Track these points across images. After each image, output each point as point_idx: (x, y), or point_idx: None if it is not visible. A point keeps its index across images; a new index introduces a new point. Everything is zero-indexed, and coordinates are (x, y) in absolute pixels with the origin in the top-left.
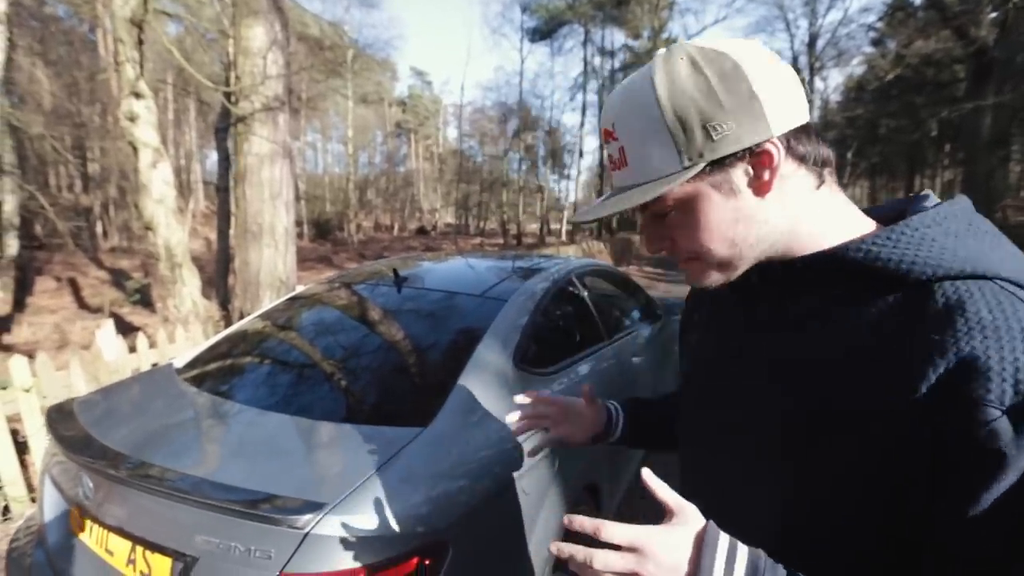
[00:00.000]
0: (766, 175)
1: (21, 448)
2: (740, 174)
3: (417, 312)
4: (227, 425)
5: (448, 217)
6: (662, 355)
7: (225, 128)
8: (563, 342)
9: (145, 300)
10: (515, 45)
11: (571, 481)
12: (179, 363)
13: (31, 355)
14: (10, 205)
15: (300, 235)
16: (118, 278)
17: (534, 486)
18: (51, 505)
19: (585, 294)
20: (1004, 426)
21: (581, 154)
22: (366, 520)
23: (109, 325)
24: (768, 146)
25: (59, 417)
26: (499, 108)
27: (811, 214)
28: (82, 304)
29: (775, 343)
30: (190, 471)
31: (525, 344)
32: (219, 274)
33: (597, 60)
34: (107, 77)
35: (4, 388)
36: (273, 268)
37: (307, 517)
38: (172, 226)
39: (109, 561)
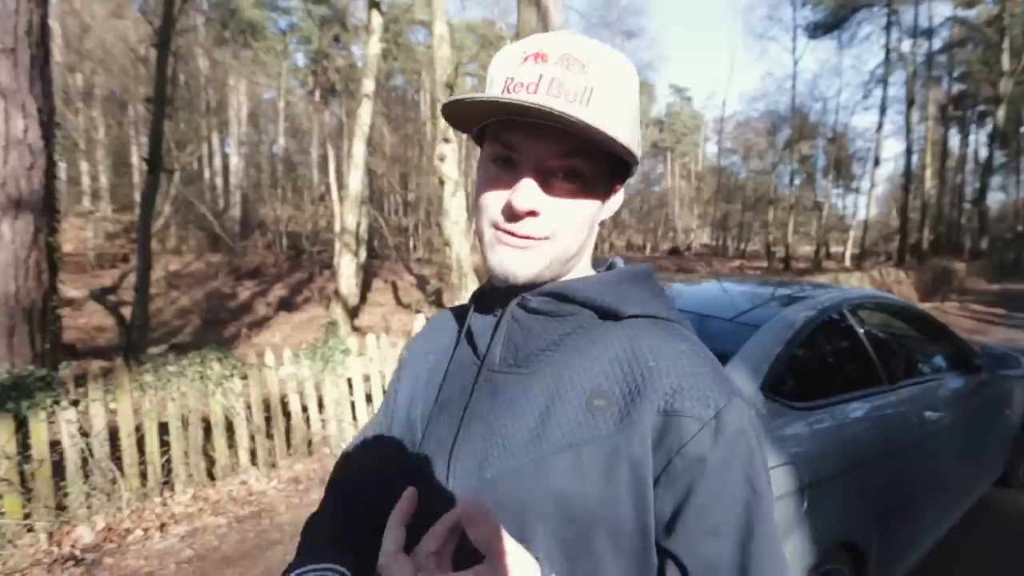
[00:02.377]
0: (617, 197)
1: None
2: (618, 186)
3: None
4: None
5: (704, 238)
6: (980, 415)
7: None
8: (827, 378)
9: (438, 301)
10: (786, 46)
11: (821, 534)
12: None
13: (377, 335)
14: (364, 226)
15: None
16: (421, 283)
17: (778, 519)
18: None
19: (861, 330)
20: (705, 435)
21: (877, 162)
22: None
23: (420, 318)
24: (634, 169)
25: None
26: (767, 118)
27: (590, 244)
28: (399, 301)
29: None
30: None
31: (778, 374)
32: None
33: (905, 45)
34: (423, 127)
35: (361, 355)
36: None
37: None
38: (463, 243)
39: None
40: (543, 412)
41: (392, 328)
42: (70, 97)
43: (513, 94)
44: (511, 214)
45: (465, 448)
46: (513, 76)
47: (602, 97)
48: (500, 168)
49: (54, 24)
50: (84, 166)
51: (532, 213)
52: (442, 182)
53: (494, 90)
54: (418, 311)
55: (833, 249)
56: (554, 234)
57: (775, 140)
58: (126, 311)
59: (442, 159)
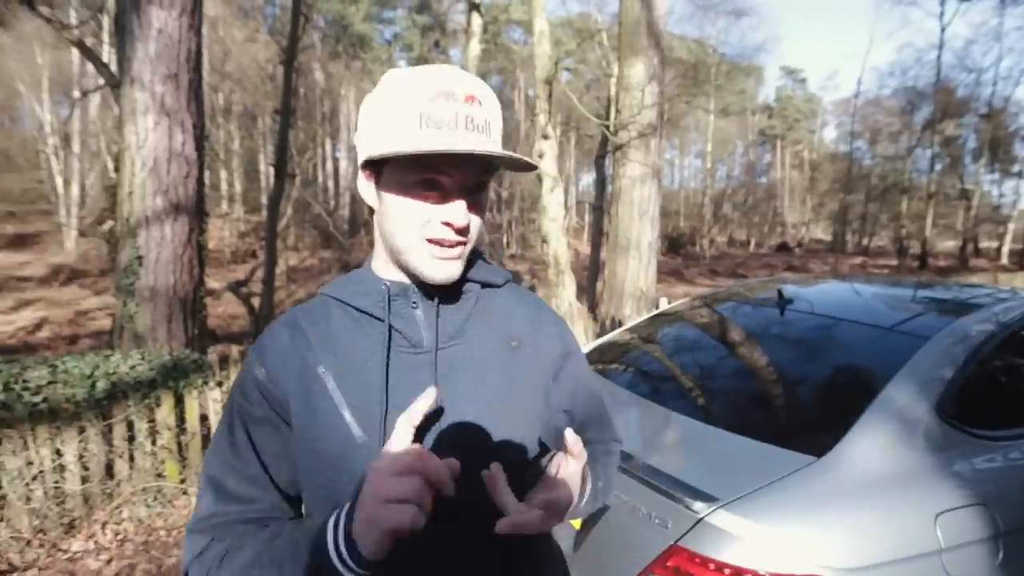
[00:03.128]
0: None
1: None
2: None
3: (805, 338)
4: (630, 409)
5: (818, 232)
6: None
7: (603, 156)
8: (1019, 404)
9: None
10: (931, 11)
11: None
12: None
13: None
14: None
15: None
16: (515, 279)
17: (962, 571)
18: None
19: None
20: (572, 340)
21: None
22: (755, 528)
23: None
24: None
25: None
26: (902, 96)
27: None
28: None
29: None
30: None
31: (956, 395)
32: (589, 282)
33: None
34: (517, 125)
35: None
36: (636, 279)
37: (702, 504)
38: (560, 240)
39: None
40: (487, 362)
41: None
42: (213, 113)
43: (436, 130)
44: (447, 230)
45: (458, 412)
46: (429, 113)
47: (496, 126)
48: (424, 190)
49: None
50: (223, 174)
51: (466, 227)
52: (540, 179)
53: (404, 122)
54: None
55: (983, 245)
56: (471, 238)
57: (911, 120)
58: (255, 301)
59: (541, 156)
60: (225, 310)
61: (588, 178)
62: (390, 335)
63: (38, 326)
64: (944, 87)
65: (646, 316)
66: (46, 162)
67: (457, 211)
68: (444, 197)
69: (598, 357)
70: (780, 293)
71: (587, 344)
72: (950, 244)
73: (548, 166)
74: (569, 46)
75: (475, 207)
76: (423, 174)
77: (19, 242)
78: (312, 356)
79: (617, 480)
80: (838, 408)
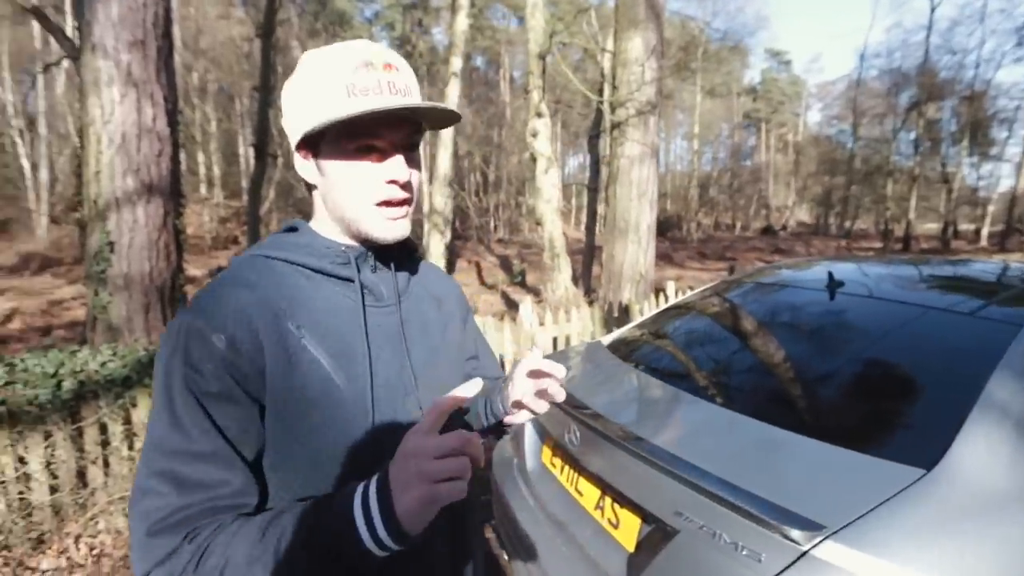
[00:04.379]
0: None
1: None
2: None
3: (871, 326)
4: (686, 411)
5: (802, 215)
6: None
7: (596, 135)
8: None
9: (523, 283)
10: None
11: None
12: (606, 341)
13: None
14: (448, 207)
15: None
16: (504, 263)
17: None
18: (529, 435)
19: None
20: (465, 297)
21: None
22: (875, 564)
23: (527, 302)
24: None
25: None
26: (887, 78)
27: None
28: (482, 281)
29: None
30: (671, 448)
31: None
32: (584, 266)
33: None
34: (504, 107)
35: None
36: (635, 263)
37: (805, 534)
38: (555, 222)
39: (578, 499)
40: (426, 315)
41: (480, 309)
42: (187, 93)
43: (364, 96)
44: (393, 188)
45: (418, 358)
46: (354, 82)
47: (415, 90)
48: (364, 155)
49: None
50: (200, 157)
51: (408, 183)
52: (534, 159)
53: (333, 94)
54: (501, 292)
55: (962, 227)
56: (414, 194)
57: (895, 104)
58: None
59: (534, 135)
60: None
61: (574, 161)
62: (363, 292)
63: (8, 317)
64: (929, 69)
65: (674, 301)
66: (11, 145)
67: (398, 167)
68: (383, 158)
69: (627, 349)
70: (831, 275)
71: (596, 330)
72: (931, 227)
73: (542, 145)
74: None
75: (413, 164)
76: (360, 140)
77: None
78: (282, 312)
79: (686, 497)
80: (932, 408)
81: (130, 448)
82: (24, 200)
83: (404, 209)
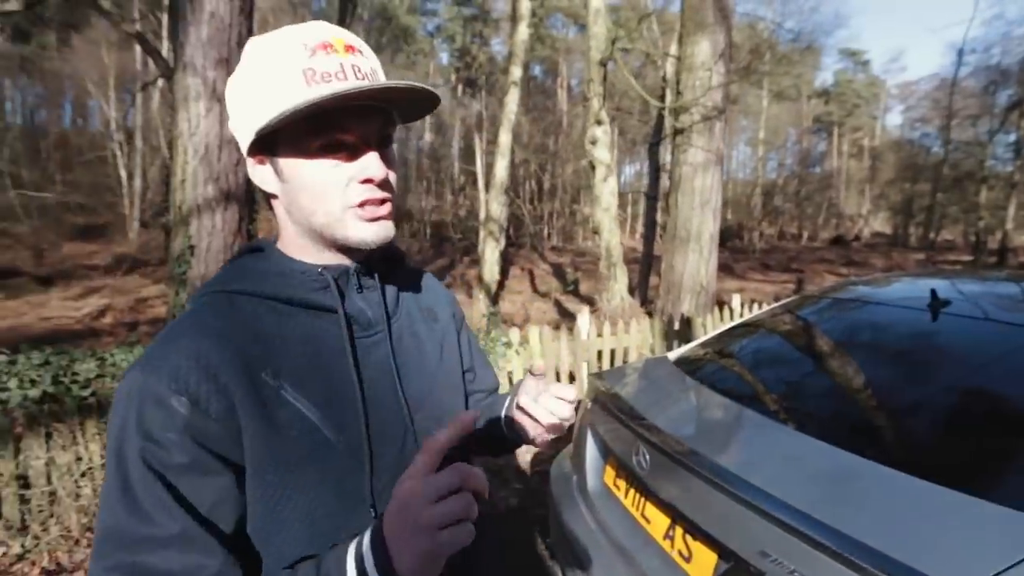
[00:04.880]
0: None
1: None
2: None
3: (988, 353)
4: (775, 440)
5: (877, 224)
6: None
7: (657, 142)
8: None
9: (576, 291)
10: None
11: None
12: (673, 356)
13: (520, 326)
14: (504, 214)
15: None
16: (557, 271)
17: None
18: (591, 453)
19: None
20: (456, 301)
21: None
22: None
23: (585, 312)
24: None
25: (602, 384)
26: (983, 75)
27: None
28: (535, 289)
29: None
30: (757, 480)
31: None
32: (641, 275)
33: None
34: (560, 114)
35: (521, 347)
36: (696, 273)
37: None
38: (613, 231)
39: (644, 526)
40: (419, 334)
41: (532, 317)
42: None
43: (326, 83)
44: (369, 188)
45: (414, 388)
46: (312, 67)
47: (382, 77)
48: (331, 153)
49: None
50: None
51: (385, 179)
52: (592, 166)
53: (289, 84)
54: (555, 301)
55: None
56: (393, 195)
57: (991, 103)
58: None
59: (594, 142)
60: None
61: (630, 169)
62: (349, 324)
63: (102, 313)
64: None
65: (745, 317)
66: (112, 157)
67: (372, 163)
68: (353, 155)
69: (700, 367)
70: (934, 293)
71: (656, 343)
72: None
73: (602, 153)
74: (619, 32)
75: (387, 161)
76: (324, 137)
77: (88, 233)
78: (254, 360)
79: (775, 538)
80: None
81: None
82: (120, 207)
83: (386, 207)
